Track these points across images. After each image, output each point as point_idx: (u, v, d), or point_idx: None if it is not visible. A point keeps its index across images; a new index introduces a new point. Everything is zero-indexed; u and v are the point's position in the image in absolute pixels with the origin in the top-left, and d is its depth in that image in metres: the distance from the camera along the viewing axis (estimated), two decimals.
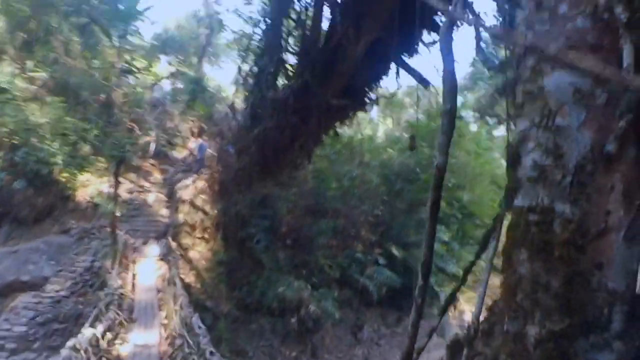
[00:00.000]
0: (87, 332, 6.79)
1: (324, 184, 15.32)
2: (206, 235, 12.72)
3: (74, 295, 10.44)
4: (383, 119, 25.78)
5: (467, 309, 19.41)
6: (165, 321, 8.92)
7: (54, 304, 10.09)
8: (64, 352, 5.93)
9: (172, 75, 24.05)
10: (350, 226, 15.80)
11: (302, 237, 14.52)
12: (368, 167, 17.03)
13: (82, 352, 6.14)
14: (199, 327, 7.44)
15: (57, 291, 10.40)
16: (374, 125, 23.50)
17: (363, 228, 16.33)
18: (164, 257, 11.36)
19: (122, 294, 9.40)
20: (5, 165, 11.99)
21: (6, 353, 8.85)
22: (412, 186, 17.25)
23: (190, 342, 7.08)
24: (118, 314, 8.43)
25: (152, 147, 17.89)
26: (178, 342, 7.55)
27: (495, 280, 1.69)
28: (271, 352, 11.38)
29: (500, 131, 26.00)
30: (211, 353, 6.26)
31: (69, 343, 6.06)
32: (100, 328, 7.28)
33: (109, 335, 7.48)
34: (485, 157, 21.00)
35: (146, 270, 10.87)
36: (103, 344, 7.07)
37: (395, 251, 15.74)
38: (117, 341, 7.69)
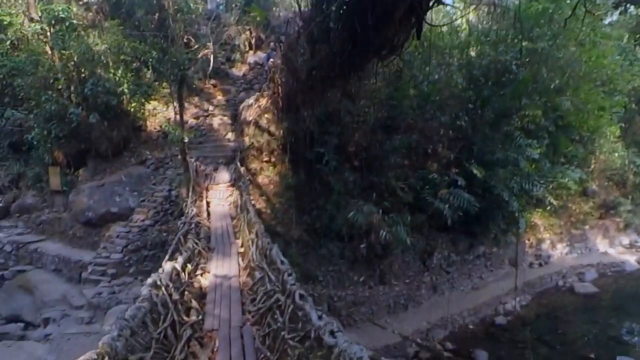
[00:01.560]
0: (167, 266, 6.77)
1: (399, 92, 13.28)
2: (273, 159, 12.27)
3: (157, 223, 11.16)
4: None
5: (547, 237, 17.77)
6: (242, 249, 9.05)
7: (141, 232, 10.88)
8: (145, 290, 5.49)
9: None
10: (426, 142, 14.12)
11: (372, 156, 13.55)
12: (451, 67, 14.25)
13: (163, 289, 6.04)
14: (282, 262, 6.65)
15: (142, 220, 11.13)
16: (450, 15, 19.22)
17: (441, 144, 14.62)
18: (234, 183, 11.19)
19: (198, 222, 9.69)
20: (79, 100, 11.89)
21: (108, 277, 9.90)
22: (505, 89, 14.54)
23: (272, 277, 6.62)
24: (196, 243, 8.59)
25: (211, 62, 16.73)
26: (257, 274, 7.36)
27: None
28: (339, 277, 11.62)
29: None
30: (301, 297, 5.28)
31: (149, 280, 5.83)
32: (180, 260, 7.21)
33: (189, 266, 7.35)
34: (599, 50, 16.56)
35: (219, 197, 10.87)
36: (184, 276, 7.03)
37: (475, 170, 14.05)
38: (197, 272, 7.61)
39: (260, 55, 18.47)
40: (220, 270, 7.86)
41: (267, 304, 6.02)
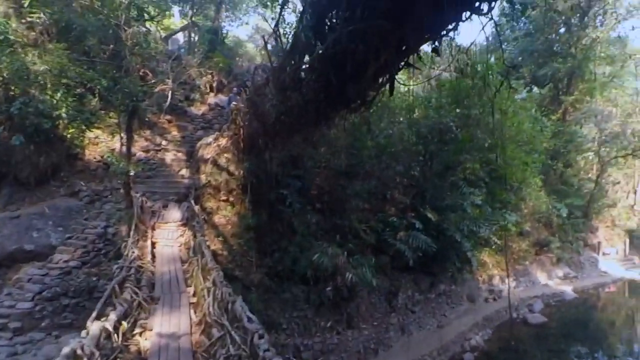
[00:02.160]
0: (93, 326, 4.90)
1: (358, 142, 12.98)
2: (232, 198, 10.72)
3: (85, 265, 8.68)
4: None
5: (496, 273, 17.72)
6: (195, 299, 7.08)
7: (63, 275, 8.35)
8: None
9: (187, 27, 21.07)
10: (384, 188, 13.71)
11: (334, 199, 12.48)
12: (402, 125, 14.61)
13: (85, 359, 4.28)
14: (249, 319, 5.17)
15: (66, 261, 8.64)
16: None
17: (397, 190, 14.25)
18: (186, 222, 9.50)
19: (140, 266, 7.56)
20: (1, 119, 9.90)
21: (10, 333, 7.21)
22: (448, 146, 14.92)
23: (236, 337, 5.08)
24: (136, 293, 6.55)
25: (168, 98, 15.51)
26: (216, 332, 5.62)
27: None
28: (305, 323, 9.76)
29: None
30: None
31: (65, 350, 4.15)
32: (113, 316, 5.34)
33: (124, 324, 5.55)
34: (518, 118, 18.33)
35: (167, 237, 9.03)
36: (117, 339, 5.19)
37: (429, 215, 13.71)
38: (136, 330, 5.81)
39: (222, 97, 17.53)
40: (167, 327, 6.00)
41: None
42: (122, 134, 9.78)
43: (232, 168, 11.01)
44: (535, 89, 27.28)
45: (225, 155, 11.15)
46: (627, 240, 26.89)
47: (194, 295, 7.28)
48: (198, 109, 17.42)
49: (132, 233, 8.21)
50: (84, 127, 11.10)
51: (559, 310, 17.04)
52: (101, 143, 12.13)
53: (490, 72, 17.12)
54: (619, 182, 29.35)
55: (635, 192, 30.26)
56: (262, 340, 4.68)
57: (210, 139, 12.24)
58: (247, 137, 10.61)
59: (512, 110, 17.42)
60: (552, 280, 19.74)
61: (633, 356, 14.16)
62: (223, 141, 11.35)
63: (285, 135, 9.46)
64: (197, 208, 9.63)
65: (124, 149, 9.49)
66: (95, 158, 11.96)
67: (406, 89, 17.34)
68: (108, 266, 7.72)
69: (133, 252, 7.82)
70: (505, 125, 17.00)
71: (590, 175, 27.77)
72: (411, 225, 13.15)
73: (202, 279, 7.23)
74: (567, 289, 18.91)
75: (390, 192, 13.94)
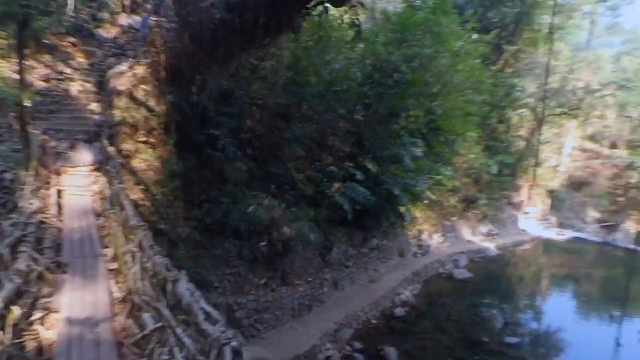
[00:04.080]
0: None
1: (299, 77, 13.41)
2: (153, 139, 10.63)
3: None
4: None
5: (425, 228, 20.63)
6: (114, 265, 6.72)
7: None
8: None
9: None
10: (323, 133, 14.63)
11: (269, 144, 13.12)
12: (350, 61, 15.27)
13: None
14: (207, 315, 4.38)
15: None
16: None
17: (337, 136, 15.32)
18: (99, 167, 9.31)
19: (41, 221, 7.20)
20: None
21: None
22: (396, 89, 16.07)
23: (185, 340, 4.18)
24: (35, 260, 5.90)
25: (70, 12, 14.03)
26: (148, 319, 4.88)
27: None
28: (238, 281, 10.74)
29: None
30: None
31: None
32: None
33: (15, 310, 4.62)
34: (470, 62, 20.21)
35: (77, 185, 8.82)
36: (3, 335, 4.29)
37: (370, 165, 15.22)
38: (35, 316, 4.94)
39: (136, 18, 16.82)
40: (79, 308, 5.25)
41: None
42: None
43: (151, 103, 10.81)
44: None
45: (143, 87, 10.85)
46: (548, 201, 32.81)
47: (113, 259, 6.94)
48: (108, 32, 16.46)
49: (30, 179, 7.88)
50: None
51: (482, 266, 20.89)
52: None
53: (441, 7, 18.30)
54: (550, 142, 34.60)
55: (561, 153, 36.18)
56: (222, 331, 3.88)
57: (124, 67, 11.64)
58: (170, 64, 10.45)
59: (464, 52, 19.01)
60: (477, 237, 23.78)
61: (534, 307, 18.30)
62: (140, 70, 10.94)
63: (222, 57, 9.61)
64: (112, 150, 9.47)
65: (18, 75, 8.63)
66: None
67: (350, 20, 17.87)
68: (7, 220, 7.43)
69: (31, 204, 7.40)
70: (456, 69, 18.71)
71: (522, 132, 32.36)
72: (351, 176, 14.45)
73: (123, 239, 6.97)
74: (490, 245, 23.06)
75: (331, 138, 14.86)
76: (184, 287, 5.03)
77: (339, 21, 16.32)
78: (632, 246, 29.52)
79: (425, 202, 19.99)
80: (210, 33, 8.88)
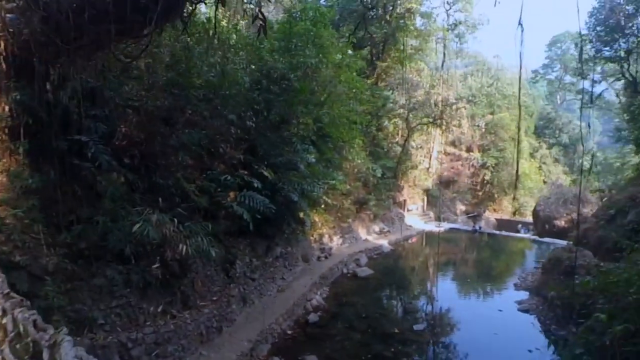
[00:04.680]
0: None
1: (182, 78, 12.16)
2: None
3: None
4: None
5: (325, 232, 20.58)
6: None
7: None
8: None
9: None
10: (213, 140, 13.50)
11: (151, 152, 11.48)
12: (237, 66, 14.53)
13: None
14: None
15: None
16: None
17: (228, 143, 14.30)
18: None
19: None
20: None
21: None
22: (283, 96, 15.86)
23: None
24: None
25: None
26: None
27: None
28: (129, 313, 8.87)
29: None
30: None
31: None
32: None
33: None
34: (352, 73, 21.29)
35: None
36: None
37: (266, 173, 14.53)
38: None
39: None
40: None
41: None
42: None
43: None
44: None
45: None
46: (425, 198, 36.20)
47: None
48: None
49: None
50: None
51: (380, 262, 21.67)
52: None
53: (321, 20, 18.95)
54: (421, 147, 38.67)
55: (430, 157, 40.61)
56: None
57: None
58: (13, 54, 8.39)
59: (345, 64, 19.89)
60: (371, 235, 24.66)
61: (429, 293, 19.46)
62: None
63: (88, 48, 8.04)
64: None
65: None
66: None
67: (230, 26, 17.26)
68: None
69: None
70: (339, 80, 19.38)
71: (397, 139, 35.34)
72: (247, 185, 13.58)
73: None
74: (384, 242, 24.11)
75: (221, 145, 13.82)
76: (70, 354, 3.30)
77: (222, 23, 15.59)
78: (493, 231, 34.07)
79: (322, 206, 20.01)
80: (73, 16, 7.27)
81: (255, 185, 13.47)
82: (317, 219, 19.93)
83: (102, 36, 7.83)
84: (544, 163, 49.33)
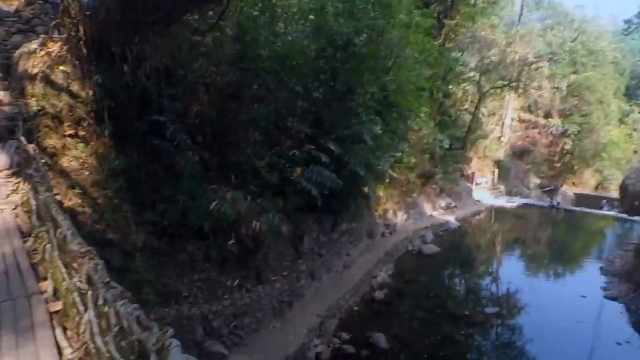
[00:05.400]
0: None
1: (249, 50, 12.11)
2: (82, 132, 8.91)
3: None
4: None
5: (389, 207, 20.32)
6: (57, 305, 4.94)
7: None
8: None
9: None
10: (282, 114, 13.50)
11: (223, 130, 11.76)
12: (303, 33, 14.17)
13: None
14: None
15: None
16: None
17: (295, 117, 14.24)
18: (19, 170, 7.43)
19: None
20: None
21: None
22: (350, 63, 15.29)
23: None
24: None
25: None
26: None
27: None
28: (209, 286, 9.45)
29: None
30: None
31: None
32: None
33: None
34: (423, 35, 20.01)
35: None
36: None
37: (332, 147, 14.37)
38: None
39: None
40: None
41: None
42: None
43: (75, 87, 9.03)
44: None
45: (62, 68, 9.03)
46: (496, 171, 34.25)
47: (54, 294, 5.11)
48: (9, 4, 13.74)
49: None
50: None
51: (447, 239, 21.11)
52: None
53: None
54: (493, 114, 36.08)
55: (502, 124, 37.88)
56: None
57: (34, 45, 9.58)
58: (92, 38, 8.75)
59: (414, 23, 18.66)
60: (437, 211, 24.03)
61: (501, 274, 18.75)
62: (54, 47, 9.10)
63: (161, 25, 8.20)
64: (32, 148, 7.65)
65: None
66: None
67: None
68: None
69: None
70: (407, 42, 18.32)
71: (466, 106, 33.33)
72: (314, 159, 13.53)
73: (62, 267, 5.13)
74: (450, 218, 23.41)
75: (289, 119, 13.80)
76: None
77: None
78: (571, 207, 31.68)
79: (387, 180, 19.63)
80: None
81: (323, 160, 13.39)
82: (381, 194, 19.65)
83: (174, 12, 7.91)
84: (635, 130, 44.31)
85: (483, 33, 32.46)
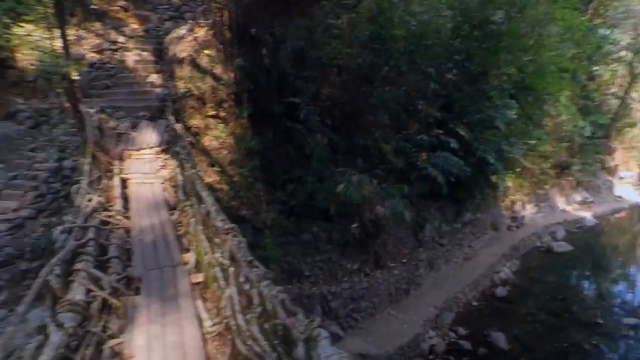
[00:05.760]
0: None
1: (384, 31, 10.47)
2: (223, 113, 8.48)
3: (42, 214, 6.60)
4: None
5: (517, 199, 17.04)
6: (199, 277, 4.62)
7: (15, 230, 6.32)
8: None
9: None
10: (412, 97, 11.67)
11: (351, 112, 10.45)
12: (439, 11, 11.98)
13: None
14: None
15: (15, 210, 6.54)
16: None
17: (424, 100, 12.24)
18: (168, 148, 7.29)
19: (103, 221, 5.10)
20: None
21: None
22: (488, 42, 12.59)
23: None
24: (97, 281, 3.85)
25: None
26: None
27: None
28: (330, 268, 8.58)
29: None
30: None
31: None
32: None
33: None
34: (571, 11, 15.82)
35: (143, 171, 6.82)
36: None
37: (462, 132, 12.07)
38: None
39: None
40: (160, 354, 3.33)
41: None
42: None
43: (218, 70, 8.58)
44: None
45: (207, 52, 8.62)
46: None
47: (196, 266, 4.85)
48: None
49: (87, 167, 5.90)
50: (9, 21, 8.04)
51: (581, 237, 17.12)
52: (38, 42, 8.97)
53: None
54: None
55: None
56: None
57: (183, 30, 9.46)
58: (235, 23, 8.03)
59: None
60: (571, 206, 19.69)
61: (628, 278, 14.50)
62: (201, 32, 8.69)
63: (298, 10, 7.08)
64: (179, 127, 7.35)
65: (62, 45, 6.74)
66: (32, 64, 8.95)
67: None
68: (71, 212, 5.54)
69: (90, 200, 5.30)
70: (552, 18, 14.64)
71: (614, 90, 26.48)
72: (441, 144, 11.57)
73: (205, 240, 4.82)
74: (587, 214, 18.99)
75: (419, 102, 11.89)
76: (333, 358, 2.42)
77: None
78: None
79: (518, 169, 16.35)
80: None
81: (452, 145, 11.36)
82: (510, 184, 16.57)
83: None
84: None
85: (639, 7, 25.14)
